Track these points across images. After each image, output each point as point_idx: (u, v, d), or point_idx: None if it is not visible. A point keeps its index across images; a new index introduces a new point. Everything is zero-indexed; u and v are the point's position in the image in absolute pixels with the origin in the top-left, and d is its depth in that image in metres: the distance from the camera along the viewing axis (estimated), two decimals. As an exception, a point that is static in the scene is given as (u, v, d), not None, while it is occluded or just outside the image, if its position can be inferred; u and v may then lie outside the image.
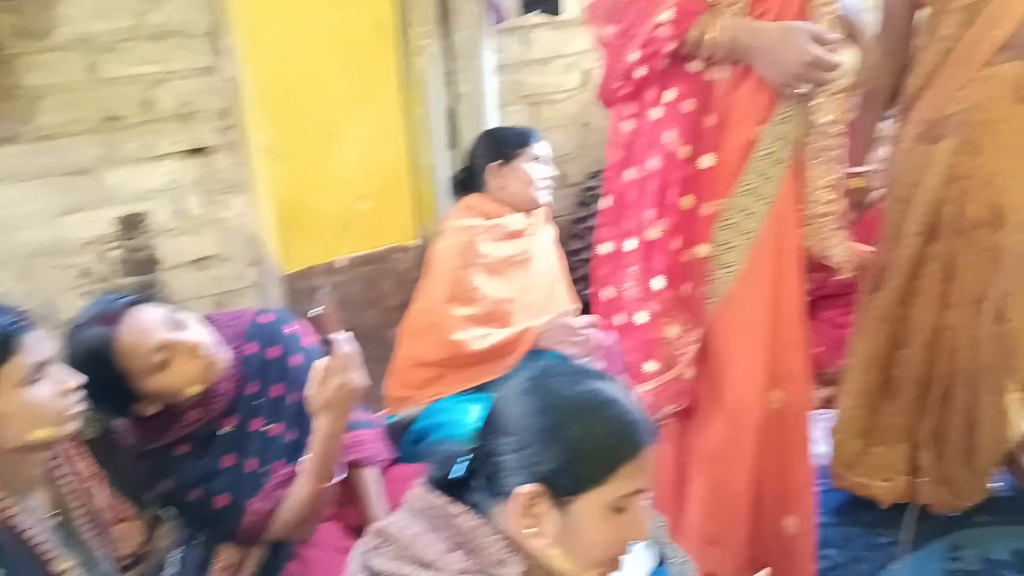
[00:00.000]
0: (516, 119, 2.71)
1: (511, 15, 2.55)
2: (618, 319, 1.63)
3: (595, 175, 2.88)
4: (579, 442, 1.05)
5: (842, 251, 1.64)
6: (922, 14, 1.89)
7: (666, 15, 1.41)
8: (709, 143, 1.51)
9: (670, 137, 1.50)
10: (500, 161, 2.30)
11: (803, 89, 1.45)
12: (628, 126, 1.56)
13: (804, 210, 1.60)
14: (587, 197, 2.87)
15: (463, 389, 2.14)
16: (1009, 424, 1.96)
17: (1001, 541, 1.98)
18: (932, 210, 1.88)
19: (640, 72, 1.48)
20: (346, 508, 1.66)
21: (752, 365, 1.58)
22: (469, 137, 2.50)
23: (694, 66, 1.48)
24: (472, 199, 2.33)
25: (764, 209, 1.53)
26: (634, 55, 1.46)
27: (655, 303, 1.55)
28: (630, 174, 1.57)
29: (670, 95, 1.50)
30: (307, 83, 2.17)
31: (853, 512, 2.11)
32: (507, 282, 2.27)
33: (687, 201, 1.52)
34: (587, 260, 2.74)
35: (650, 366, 1.57)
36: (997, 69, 1.79)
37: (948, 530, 2.01)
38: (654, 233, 1.53)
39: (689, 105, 1.49)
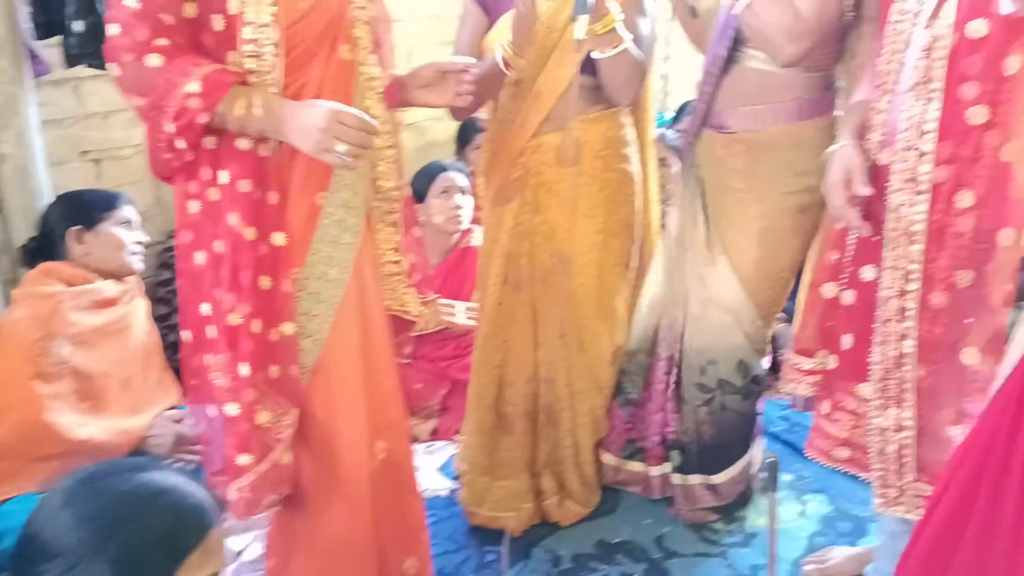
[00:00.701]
0: (76, 177, 2.47)
1: (54, 67, 2.31)
2: (211, 411, 1.55)
3: (174, 235, 2.72)
4: (135, 544, 0.98)
5: (417, 306, 1.74)
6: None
7: (194, 86, 1.36)
8: (274, 221, 1.48)
9: (234, 220, 1.45)
10: (81, 226, 2.14)
11: (340, 150, 1.39)
12: (194, 207, 1.49)
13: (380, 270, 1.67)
14: (168, 258, 2.70)
15: (46, 488, 1.88)
16: (601, 433, 2.28)
17: (586, 536, 2.23)
18: (508, 262, 2.12)
19: (180, 144, 1.41)
20: None
21: (355, 425, 1.60)
22: (17, 201, 2.23)
23: (244, 144, 1.44)
24: (51, 265, 2.12)
25: (341, 275, 1.55)
26: (170, 127, 1.39)
27: (246, 391, 1.49)
28: (200, 257, 1.50)
29: (224, 176, 1.45)
30: None
31: (462, 537, 2.24)
32: (100, 355, 2.10)
33: (264, 282, 1.48)
34: (174, 326, 2.58)
35: (244, 459, 1.50)
36: (543, 139, 2.06)
37: (543, 536, 2.23)
38: (235, 319, 1.47)
39: (246, 185, 1.45)
